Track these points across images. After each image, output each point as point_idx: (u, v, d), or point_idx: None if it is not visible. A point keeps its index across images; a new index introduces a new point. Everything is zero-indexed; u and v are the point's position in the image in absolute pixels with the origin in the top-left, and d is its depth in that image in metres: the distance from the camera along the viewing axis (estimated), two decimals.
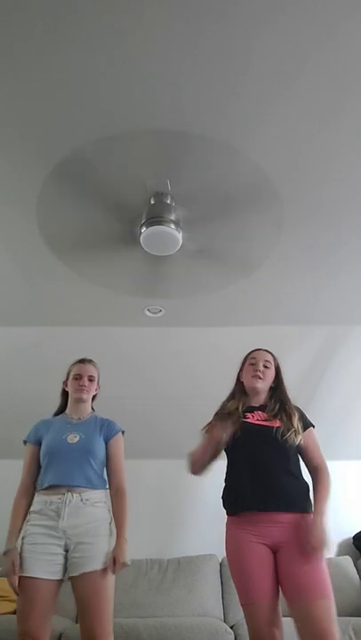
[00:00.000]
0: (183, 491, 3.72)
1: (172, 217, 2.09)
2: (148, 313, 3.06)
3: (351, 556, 3.47)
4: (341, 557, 3.45)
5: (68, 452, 2.00)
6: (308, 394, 3.51)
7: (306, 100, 1.72)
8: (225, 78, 1.64)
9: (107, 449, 2.09)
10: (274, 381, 2.06)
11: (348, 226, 2.35)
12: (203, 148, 1.91)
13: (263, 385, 2.02)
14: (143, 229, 2.10)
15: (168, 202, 2.11)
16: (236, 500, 1.86)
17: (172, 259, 2.38)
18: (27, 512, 1.98)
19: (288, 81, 1.65)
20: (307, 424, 1.98)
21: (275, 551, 1.77)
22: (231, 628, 2.68)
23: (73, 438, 2.04)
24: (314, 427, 1.99)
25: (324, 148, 1.91)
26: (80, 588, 1.81)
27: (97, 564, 1.83)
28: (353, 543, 3.62)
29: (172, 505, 3.73)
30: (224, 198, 2.16)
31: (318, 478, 1.89)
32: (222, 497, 1.93)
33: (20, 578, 1.81)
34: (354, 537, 3.62)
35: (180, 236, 2.12)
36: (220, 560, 3.37)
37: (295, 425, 1.89)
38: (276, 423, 1.90)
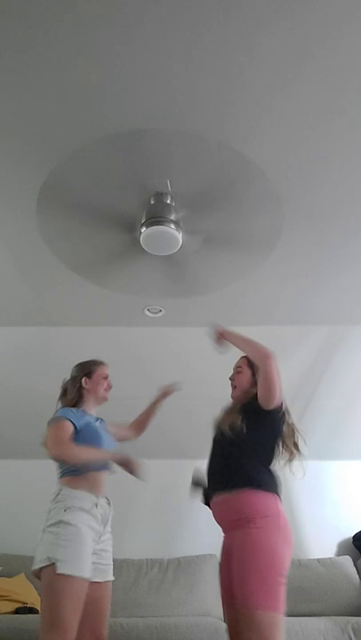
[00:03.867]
0: (183, 490, 3.71)
1: (172, 217, 2.10)
2: (148, 313, 3.06)
3: (351, 556, 3.47)
4: (341, 557, 3.46)
5: (107, 440, 2.10)
6: (309, 394, 3.51)
7: (306, 100, 1.72)
8: (225, 78, 1.64)
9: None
10: (255, 377, 2.05)
11: (348, 226, 2.35)
12: (203, 148, 1.91)
13: (238, 391, 2.11)
14: (143, 229, 2.10)
15: (168, 202, 2.11)
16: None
17: (172, 259, 2.38)
18: None
19: (288, 81, 1.65)
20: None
21: None
22: None
23: (103, 428, 2.14)
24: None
25: (324, 148, 1.91)
26: (100, 593, 1.84)
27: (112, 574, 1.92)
28: (353, 543, 3.62)
29: (173, 505, 3.73)
30: (224, 198, 2.16)
31: None
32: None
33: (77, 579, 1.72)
34: (354, 537, 3.62)
35: (180, 236, 2.12)
36: (220, 560, 3.36)
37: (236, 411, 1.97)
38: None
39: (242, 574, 1.65)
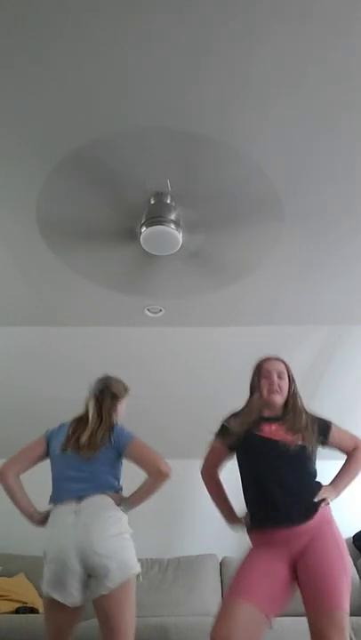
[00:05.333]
0: (183, 490, 3.72)
1: (172, 217, 2.09)
2: (148, 313, 3.06)
3: (351, 556, 3.46)
4: None
5: None
6: (309, 394, 3.49)
7: (306, 101, 1.72)
8: (226, 79, 1.64)
9: None
10: (288, 390, 1.98)
11: (348, 226, 2.35)
12: (203, 149, 1.91)
13: (282, 398, 1.96)
14: (143, 229, 2.10)
15: (168, 202, 2.11)
16: None
17: (172, 259, 2.38)
18: None
19: (289, 83, 1.65)
20: (326, 428, 1.94)
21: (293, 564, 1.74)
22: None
23: None
24: (331, 423, 1.96)
25: (325, 149, 1.91)
26: None
27: None
28: (353, 543, 3.61)
29: (173, 505, 3.72)
30: (224, 198, 2.16)
31: (351, 456, 1.97)
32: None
33: None
34: (354, 537, 3.62)
35: (180, 236, 2.12)
36: (220, 560, 3.37)
37: (313, 438, 1.88)
38: (299, 439, 1.85)
39: (337, 578, 1.66)
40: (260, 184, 2.06)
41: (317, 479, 1.90)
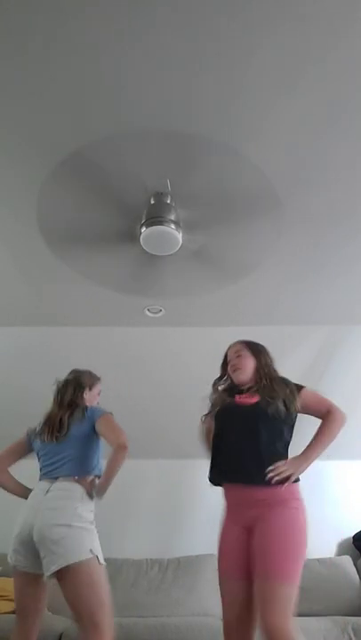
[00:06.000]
0: (183, 490, 3.72)
1: (172, 217, 2.10)
2: (148, 313, 3.06)
3: (351, 556, 3.47)
4: (341, 557, 3.46)
5: None
6: None
7: (306, 102, 1.72)
8: (227, 80, 1.64)
9: None
10: (255, 362, 2.08)
11: (348, 226, 2.35)
12: (203, 149, 1.91)
13: (244, 373, 2.06)
14: (143, 229, 2.10)
15: (168, 202, 2.11)
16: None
17: (172, 259, 2.38)
18: None
19: (289, 84, 1.65)
20: (298, 390, 1.98)
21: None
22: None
23: None
24: (304, 386, 2.01)
25: (325, 150, 1.91)
26: None
27: None
28: (353, 543, 3.62)
29: (173, 505, 3.73)
30: (224, 199, 2.16)
31: (323, 421, 1.98)
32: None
33: None
34: (354, 537, 3.62)
35: (180, 236, 2.12)
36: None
37: (279, 393, 1.93)
38: (265, 401, 1.91)
39: (284, 550, 1.69)
40: (260, 184, 2.06)
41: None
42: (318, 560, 3.34)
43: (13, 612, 2.76)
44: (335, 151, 1.93)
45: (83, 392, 2.22)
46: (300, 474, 1.82)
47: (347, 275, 2.73)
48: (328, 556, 3.52)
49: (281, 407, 1.89)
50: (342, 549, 3.62)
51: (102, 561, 1.85)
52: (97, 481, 2.00)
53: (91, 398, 2.24)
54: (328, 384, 3.52)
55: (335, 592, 3.16)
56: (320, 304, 3.01)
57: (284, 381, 2.01)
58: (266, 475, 1.76)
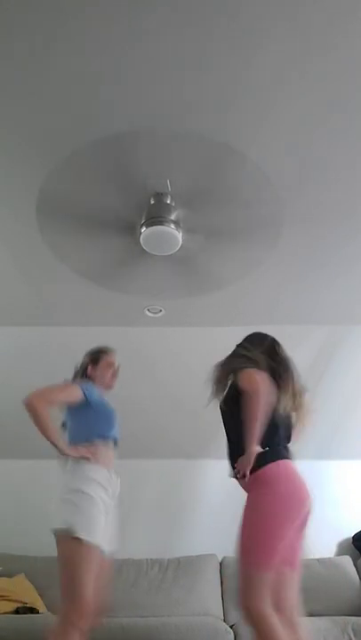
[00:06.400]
0: (184, 490, 3.72)
1: (172, 217, 2.10)
2: (148, 313, 3.06)
3: (351, 556, 3.47)
4: (341, 557, 3.45)
5: (116, 416, 2.17)
6: (309, 394, 3.51)
7: (307, 102, 1.72)
8: (226, 78, 1.64)
9: None
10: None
11: (348, 226, 2.35)
12: (203, 149, 1.91)
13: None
14: (143, 229, 2.10)
15: (168, 202, 2.11)
16: None
17: (172, 259, 2.38)
18: None
19: (289, 83, 1.65)
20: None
21: None
22: (231, 627, 2.68)
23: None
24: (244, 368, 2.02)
25: (325, 148, 1.91)
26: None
27: None
28: (353, 543, 3.61)
29: (173, 504, 3.73)
30: (224, 199, 2.16)
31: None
32: None
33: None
34: (354, 537, 3.62)
35: (180, 236, 2.12)
36: (220, 560, 3.37)
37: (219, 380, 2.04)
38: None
39: (245, 535, 1.79)
40: (260, 184, 2.06)
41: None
42: (318, 560, 3.34)
43: (14, 612, 2.78)
44: (335, 151, 1.93)
45: (85, 371, 2.27)
46: (250, 464, 1.84)
47: (347, 275, 2.73)
48: (328, 555, 3.52)
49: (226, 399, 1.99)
50: (342, 549, 3.61)
51: (83, 536, 1.76)
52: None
53: (101, 373, 2.26)
54: (328, 384, 3.53)
55: (335, 592, 3.16)
56: (320, 304, 3.01)
57: (231, 364, 2.06)
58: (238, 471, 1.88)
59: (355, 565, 3.39)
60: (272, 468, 1.84)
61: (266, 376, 1.94)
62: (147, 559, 3.39)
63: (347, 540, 3.65)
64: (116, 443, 2.09)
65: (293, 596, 1.78)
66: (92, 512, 1.83)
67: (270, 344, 2.15)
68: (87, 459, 1.94)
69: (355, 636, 2.60)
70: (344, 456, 3.80)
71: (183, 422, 3.53)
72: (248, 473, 1.82)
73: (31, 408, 1.96)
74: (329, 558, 3.44)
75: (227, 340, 3.30)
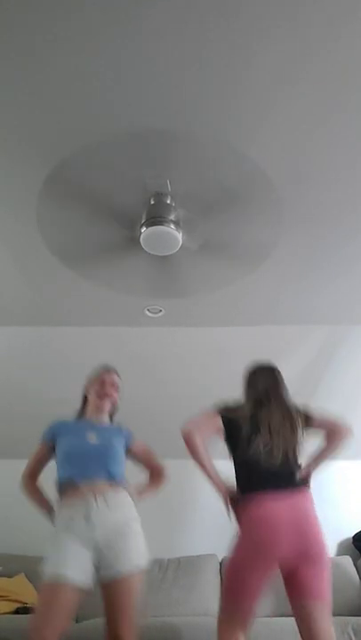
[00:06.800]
0: (184, 490, 3.72)
1: (172, 217, 2.09)
2: (148, 313, 3.06)
3: (351, 556, 3.47)
4: (341, 557, 3.45)
5: (89, 451, 2.02)
6: (309, 394, 3.51)
7: (306, 100, 1.72)
8: (226, 78, 1.64)
9: (133, 450, 2.22)
10: None
11: (348, 226, 2.35)
12: (203, 149, 1.91)
13: None
14: (143, 229, 2.10)
15: (168, 202, 2.11)
16: None
17: (171, 259, 2.38)
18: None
19: (289, 83, 1.65)
20: None
21: None
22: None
23: (93, 437, 2.07)
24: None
25: (325, 148, 1.91)
26: (111, 592, 1.82)
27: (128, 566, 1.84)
28: (353, 543, 3.61)
29: (173, 504, 3.73)
30: (224, 199, 2.16)
31: None
32: None
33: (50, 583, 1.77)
34: (354, 537, 3.62)
35: (180, 236, 2.12)
36: (220, 560, 3.37)
37: None
38: None
39: None
40: (260, 184, 2.06)
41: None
42: None
43: (13, 613, 2.78)
44: (335, 151, 1.93)
45: (87, 396, 2.26)
46: (225, 501, 1.95)
47: (347, 275, 2.73)
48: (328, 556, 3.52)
49: None
50: (342, 549, 3.61)
51: (45, 574, 1.76)
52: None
53: (93, 392, 2.23)
54: (328, 384, 3.53)
55: (335, 592, 3.11)
56: (320, 304, 3.01)
57: None
58: None
59: (355, 565, 3.39)
60: (239, 509, 1.89)
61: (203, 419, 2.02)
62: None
63: (347, 539, 3.65)
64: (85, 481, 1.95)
65: (324, 627, 1.72)
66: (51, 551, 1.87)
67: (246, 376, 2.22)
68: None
69: (355, 635, 2.60)
70: (344, 456, 3.79)
71: (182, 422, 3.53)
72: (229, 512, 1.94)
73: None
74: (329, 558, 3.44)
75: (227, 340, 3.31)
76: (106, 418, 2.22)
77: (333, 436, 2.02)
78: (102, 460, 2.00)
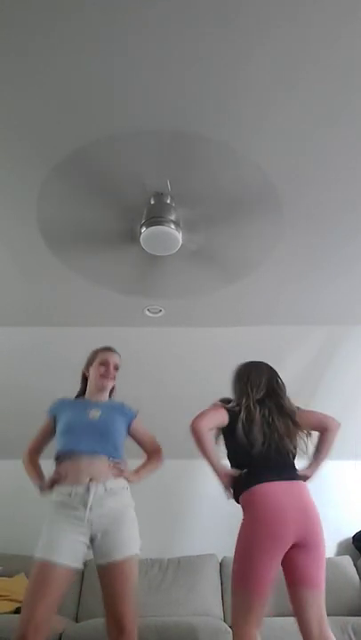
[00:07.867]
0: (184, 490, 3.72)
1: (172, 217, 2.09)
2: (148, 313, 3.06)
3: (351, 556, 3.47)
4: (341, 557, 3.45)
5: (89, 425, 2.07)
6: (309, 394, 3.51)
7: (306, 102, 1.72)
8: (226, 79, 1.64)
9: (134, 427, 2.24)
10: None
11: (348, 226, 2.35)
12: (203, 149, 1.91)
13: None
14: (143, 229, 2.10)
15: (168, 202, 2.11)
16: None
17: (172, 259, 2.38)
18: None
19: (289, 82, 1.65)
20: None
21: None
22: (231, 627, 2.68)
23: (95, 414, 2.11)
24: None
25: (325, 149, 1.92)
26: (110, 575, 1.84)
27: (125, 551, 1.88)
28: (353, 543, 3.61)
29: (173, 504, 3.73)
30: (224, 198, 2.16)
31: None
32: None
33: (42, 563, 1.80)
34: (354, 537, 3.62)
35: (180, 236, 2.12)
36: (220, 560, 3.37)
37: None
38: None
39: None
40: (260, 184, 2.06)
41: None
42: None
43: (13, 612, 2.78)
44: (335, 151, 1.93)
45: (86, 374, 2.29)
46: (226, 489, 1.99)
47: (347, 275, 2.73)
48: (328, 556, 3.48)
49: None
50: (342, 549, 3.61)
51: (38, 553, 1.81)
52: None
53: (93, 374, 2.25)
54: (328, 384, 3.53)
55: (335, 592, 3.15)
56: (320, 304, 3.01)
57: None
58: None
59: (355, 565, 3.39)
60: (245, 496, 1.90)
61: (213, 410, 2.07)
62: (147, 559, 3.38)
63: (347, 539, 3.65)
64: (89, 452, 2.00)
65: (317, 614, 1.76)
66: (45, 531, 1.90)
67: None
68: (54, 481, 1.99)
69: (355, 635, 2.60)
70: (344, 456, 3.79)
71: (183, 422, 3.52)
72: (229, 494, 1.97)
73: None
74: (329, 558, 3.42)
75: (226, 340, 3.31)
76: (106, 397, 2.27)
77: (325, 431, 2.14)
78: (102, 435, 2.04)
